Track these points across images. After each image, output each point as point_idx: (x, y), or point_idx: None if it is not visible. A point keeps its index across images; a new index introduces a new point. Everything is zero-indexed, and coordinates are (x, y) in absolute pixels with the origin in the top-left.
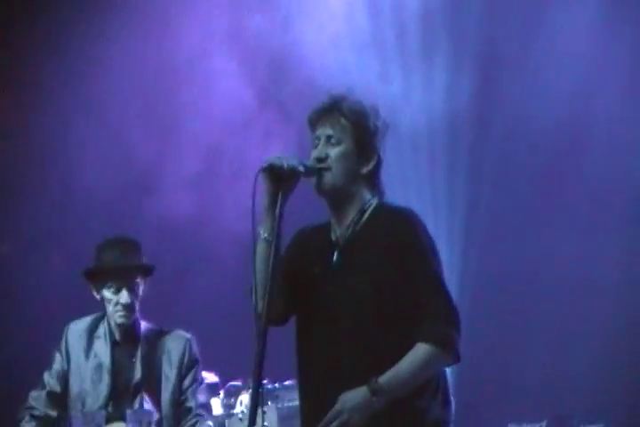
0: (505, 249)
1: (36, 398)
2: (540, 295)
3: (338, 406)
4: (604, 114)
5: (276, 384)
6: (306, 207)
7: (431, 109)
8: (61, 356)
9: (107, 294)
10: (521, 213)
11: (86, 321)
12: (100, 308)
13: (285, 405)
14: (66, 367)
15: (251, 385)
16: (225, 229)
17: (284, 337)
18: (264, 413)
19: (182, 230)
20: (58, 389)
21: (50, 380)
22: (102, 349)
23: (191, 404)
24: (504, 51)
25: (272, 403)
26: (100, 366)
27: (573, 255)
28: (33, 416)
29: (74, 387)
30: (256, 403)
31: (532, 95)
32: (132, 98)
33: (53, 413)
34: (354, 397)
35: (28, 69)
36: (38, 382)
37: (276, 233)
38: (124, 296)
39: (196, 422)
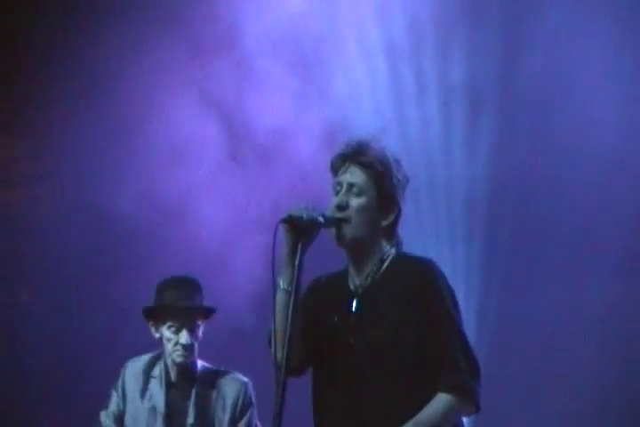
0: (523, 298)
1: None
2: (558, 345)
3: None
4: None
5: None
6: (325, 257)
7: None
8: (118, 396)
9: (167, 333)
10: (538, 261)
11: (144, 360)
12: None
13: None
14: (122, 408)
15: None
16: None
17: (302, 388)
18: None
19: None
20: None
21: (106, 420)
22: (157, 390)
23: None
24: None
25: None
26: (154, 409)
27: (591, 305)
28: None
29: (129, 424)
30: None
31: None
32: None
33: None
34: None
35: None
36: (94, 423)
37: (296, 284)
38: (184, 337)
39: None
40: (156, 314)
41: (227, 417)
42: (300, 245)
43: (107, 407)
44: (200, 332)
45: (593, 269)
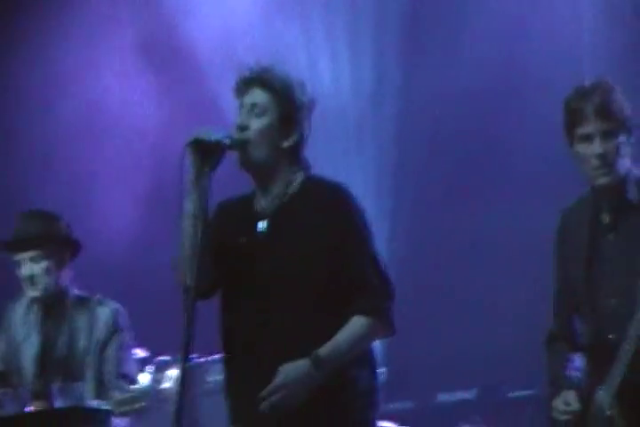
0: (435, 219)
1: None
2: (470, 265)
3: (280, 379)
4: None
5: (206, 358)
6: (231, 181)
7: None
8: (1, 334)
9: (19, 269)
10: (450, 182)
11: (26, 298)
12: None
13: (215, 378)
14: (3, 346)
15: (180, 360)
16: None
17: (212, 311)
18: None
19: None
20: (1, 367)
21: None
22: (32, 325)
23: (110, 370)
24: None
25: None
26: (32, 344)
27: (503, 225)
28: None
29: (12, 364)
30: (185, 377)
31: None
32: None
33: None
34: (295, 369)
35: None
36: None
37: (203, 207)
38: (26, 268)
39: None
40: (9, 250)
41: (96, 342)
42: (206, 169)
43: None
44: (52, 263)
45: (503, 192)
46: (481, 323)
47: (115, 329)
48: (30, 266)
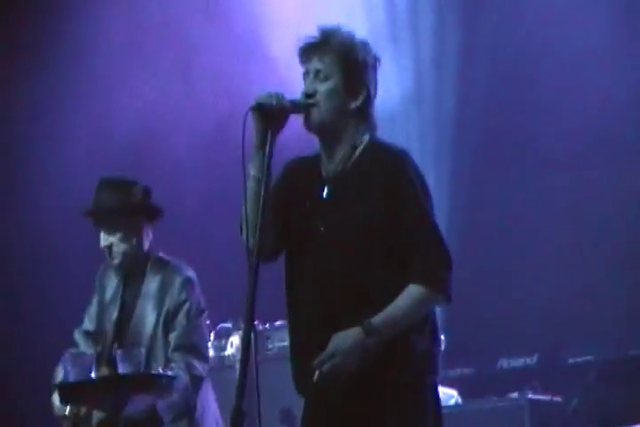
0: (493, 189)
1: (78, 338)
2: (528, 231)
3: (331, 347)
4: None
5: (267, 325)
6: (296, 143)
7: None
8: (94, 296)
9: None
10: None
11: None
12: None
13: (276, 345)
14: (95, 308)
15: (241, 326)
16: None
17: (276, 277)
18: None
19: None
20: (90, 327)
21: (78, 336)
22: (117, 287)
23: (172, 339)
24: None
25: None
26: (114, 304)
27: (562, 192)
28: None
29: (100, 326)
30: (248, 344)
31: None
32: None
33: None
34: (347, 337)
35: None
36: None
37: (266, 171)
38: (102, 239)
39: (174, 369)
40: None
41: (165, 311)
42: (269, 133)
43: (88, 310)
44: (128, 231)
45: (563, 156)
46: (539, 289)
47: (184, 299)
48: (106, 237)
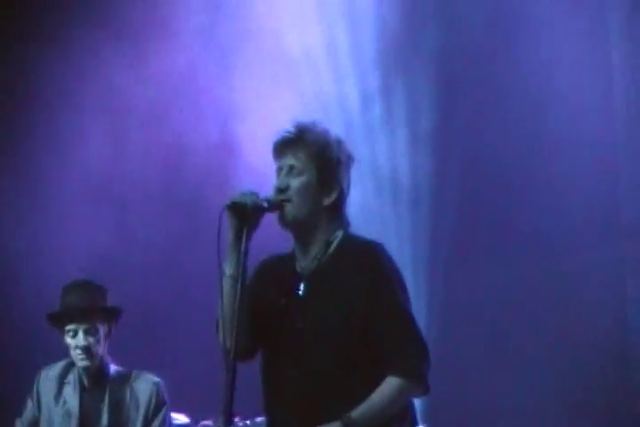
0: (472, 277)
1: None
2: (509, 322)
3: None
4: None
5: (247, 421)
6: (271, 241)
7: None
8: (32, 403)
9: (67, 338)
10: (486, 238)
11: (58, 367)
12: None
13: None
14: (37, 414)
15: (222, 424)
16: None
17: (253, 373)
18: None
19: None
20: None
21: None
22: (71, 395)
23: None
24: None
25: None
26: (68, 413)
27: (542, 281)
28: None
29: None
30: None
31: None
32: None
33: None
34: None
35: None
36: None
37: (242, 269)
38: (80, 339)
39: None
40: (57, 320)
41: (140, 417)
42: (245, 231)
43: (21, 415)
44: (102, 333)
45: (541, 245)
46: (521, 383)
47: (160, 404)
48: (85, 337)
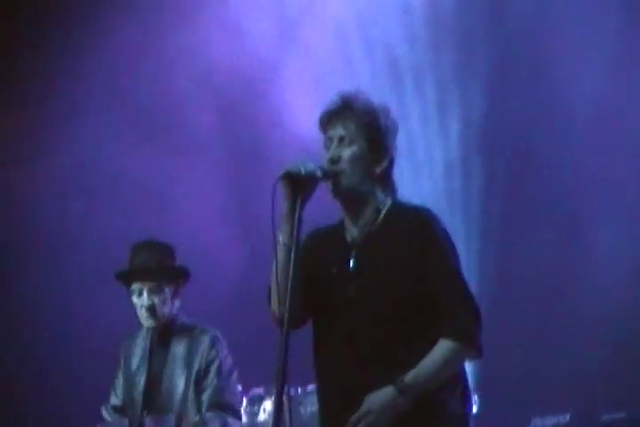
0: (523, 246)
1: (106, 414)
2: (560, 289)
3: (365, 407)
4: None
5: (299, 390)
6: (321, 211)
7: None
8: (119, 370)
9: (133, 298)
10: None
11: (137, 334)
12: None
13: (308, 410)
14: (122, 381)
15: (273, 392)
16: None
17: (305, 341)
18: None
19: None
20: (117, 402)
21: (112, 395)
22: (144, 354)
23: (209, 399)
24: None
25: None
26: (141, 373)
27: (588, 253)
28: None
29: (128, 397)
30: (279, 410)
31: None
32: None
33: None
34: (381, 397)
35: None
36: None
37: (296, 238)
38: (145, 298)
39: (207, 417)
40: (124, 279)
41: (194, 373)
42: (299, 200)
43: (113, 383)
44: (169, 293)
45: (592, 213)
46: (572, 346)
47: (213, 357)
48: (150, 297)
